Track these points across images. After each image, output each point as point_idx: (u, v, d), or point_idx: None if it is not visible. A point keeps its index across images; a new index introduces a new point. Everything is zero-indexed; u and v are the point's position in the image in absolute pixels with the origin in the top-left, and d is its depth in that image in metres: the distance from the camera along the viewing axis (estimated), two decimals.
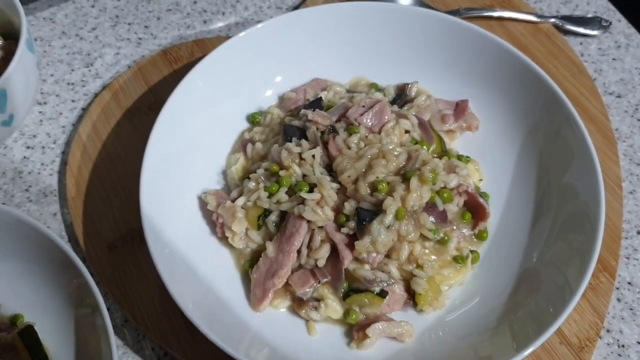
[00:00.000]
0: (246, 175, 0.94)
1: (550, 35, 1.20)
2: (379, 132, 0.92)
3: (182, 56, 1.19)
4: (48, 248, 0.84)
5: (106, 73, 1.22)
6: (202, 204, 0.93)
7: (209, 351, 0.82)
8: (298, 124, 0.94)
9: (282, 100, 1.05)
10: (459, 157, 0.95)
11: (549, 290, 0.81)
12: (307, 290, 0.84)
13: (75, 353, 0.84)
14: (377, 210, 0.82)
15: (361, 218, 0.82)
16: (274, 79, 1.07)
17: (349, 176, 0.86)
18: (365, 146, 0.89)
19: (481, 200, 0.89)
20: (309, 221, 0.84)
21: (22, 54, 0.94)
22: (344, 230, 0.83)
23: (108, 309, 0.91)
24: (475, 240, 0.90)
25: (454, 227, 0.88)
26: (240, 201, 0.88)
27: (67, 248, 0.82)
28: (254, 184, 0.89)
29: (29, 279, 0.88)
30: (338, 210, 0.86)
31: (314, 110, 0.94)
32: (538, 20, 1.21)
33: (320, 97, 0.99)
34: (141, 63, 1.18)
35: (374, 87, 1.05)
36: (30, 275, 0.87)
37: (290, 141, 0.92)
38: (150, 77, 1.16)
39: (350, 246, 0.83)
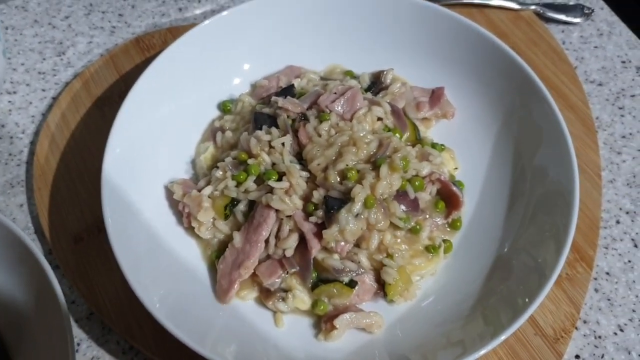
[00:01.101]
0: (215, 164, 0.91)
1: (531, 23, 1.18)
2: (351, 120, 0.89)
3: (155, 44, 1.16)
4: (9, 240, 0.82)
5: (78, 62, 1.19)
6: (169, 193, 0.90)
7: (174, 345, 0.80)
8: (269, 111, 0.92)
9: (254, 88, 1.02)
10: (434, 145, 0.93)
11: (522, 276, 0.79)
12: (275, 280, 0.82)
13: (34, 348, 0.81)
14: (346, 198, 0.80)
15: (329, 206, 0.80)
16: (244, 67, 1.04)
17: (318, 164, 0.84)
18: (335, 134, 0.86)
19: (455, 188, 0.87)
20: (277, 210, 0.82)
21: None
22: (312, 219, 0.81)
23: (73, 302, 0.89)
24: (448, 229, 0.88)
25: (427, 216, 0.86)
26: (207, 190, 0.86)
27: (27, 240, 0.79)
28: (221, 172, 0.87)
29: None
30: (307, 199, 0.83)
31: (285, 98, 0.92)
32: (519, 7, 1.19)
33: (293, 85, 0.97)
34: (113, 51, 1.16)
35: (349, 74, 1.03)
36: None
37: (261, 129, 0.90)
38: (122, 66, 1.13)
39: (319, 235, 0.81)
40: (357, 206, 0.79)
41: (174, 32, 1.18)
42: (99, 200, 0.93)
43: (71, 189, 0.98)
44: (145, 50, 1.15)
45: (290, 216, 0.82)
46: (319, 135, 0.87)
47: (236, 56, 1.03)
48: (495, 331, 0.74)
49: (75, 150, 1.03)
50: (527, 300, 0.74)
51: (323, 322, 0.80)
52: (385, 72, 1.00)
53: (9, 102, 1.13)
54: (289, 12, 1.04)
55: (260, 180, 0.86)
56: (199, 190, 0.87)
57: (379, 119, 0.91)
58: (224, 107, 1.00)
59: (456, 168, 0.94)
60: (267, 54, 1.05)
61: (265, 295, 0.82)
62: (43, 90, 1.15)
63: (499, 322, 0.75)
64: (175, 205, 0.89)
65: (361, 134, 0.85)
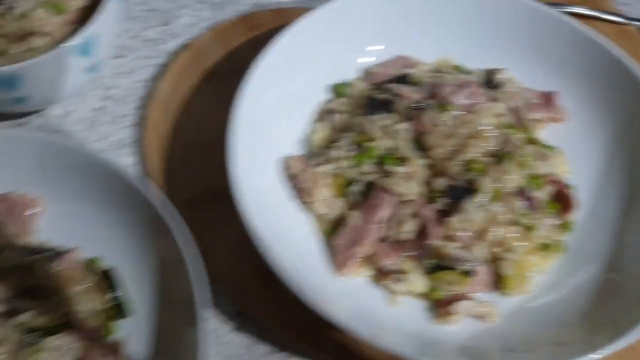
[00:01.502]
0: (328, 144, 0.93)
1: (635, 39, 1.18)
2: (470, 113, 0.91)
3: (261, 24, 1.18)
4: (136, 199, 0.85)
5: (183, 34, 1.21)
6: (283, 168, 0.92)
7: (284, 311, 0.82)
8: (384, 97, 0.94)
9: (366, 73, 1.04)
10: (546, 147, 0.94)
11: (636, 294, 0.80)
12: (390, 262, 0.84)
13: (156, 305, 0.84)
14: (470, 189, 0.81)
15: (454, 195, 0.81)
16: (358, 53, 1.06)
17: (439, 153, 0.85)
18: (456, 125, 0.88)
19: (569, 191, 0.88)
20: (395, 194, 0.83)
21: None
22: (434, 206, 0.83)
23: None
24: (560, 230, 0.89)
25: (541, 215, 0.87)
26: (325, 168, 0.88)
27: (155, 200, 0.82)
28: (339, 152, 0.89)
29: (112, 225, 0.88)
30: (425, 186, 0.85)
31: (401, 85, 0.93)
32: (624, 21, 1.19)
33: (408, 73, 0.98)
34: (220, 27, 1.18)
35: (460, 69, 1.04)
36: (115, 222, 0.88)
37: (375, 114, 0.91)
38: (229, 42, 1.16)
39: (439, 222, 0.82)
40: (484, 198, 0.80)
41: (280, 13, 1.20)
42: (210, 169, 0.96)
43: (182, 155, 1.00)
44: (252, 29, 1.17)
45: (408, 201, 0.84)
46: (439, 125, 0.88)
47: (349, 43, 1.05)
48: (603, 341, 0.74)
49: (185, 119, 1.06)
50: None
51: (439, 307, 0.82)
52: (498, 71, 1.01)
53: (116, 65, 1.15)
54: (403, 2, 1.05)
55: (377, 163, 0.88)
56: (315, 167, 0.88)
57: (498, 115, 0.92)
58: (336, 90, 1.01)
59: (567, 172, 0.95)
60: (378, 42, 1.06)
61: (379, 275, 0.84)
62: (149, 57, 1.17)
63: (609, 332, 0.76)
64: (288, 180, 0.91)
65: (484, 128, 0.86)
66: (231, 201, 0.89)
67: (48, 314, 0.79)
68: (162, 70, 1.15)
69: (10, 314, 0.77)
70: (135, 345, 0.84)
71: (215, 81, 1.10)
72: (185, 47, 1.17)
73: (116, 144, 1.05)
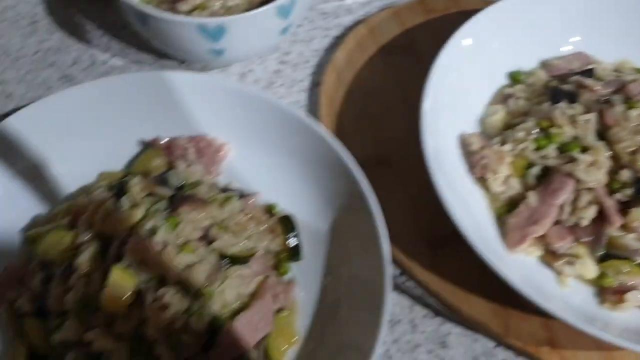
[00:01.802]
0: (506, 127, 0.95)
1: None
2: None
3: (436, 8, 1.22)
4: (325, 152, 0.90)
5: (358, 10, 1.26)
6: (461, 145, 0.95)
7: (447, 277, 0.87)
8: (569, 88, 0.95)
9: (545, 65, 1.05)
10: None
11: None
12: (563, 245, 0.85)
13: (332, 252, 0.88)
14: None
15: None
16: (538, 45, 1.07)
17: (625, 147, 0.86)
18: None
19: None
20: (578, 180, 0.85)
21: None
22: (617, 196, 0.83)
23: None
24: None
25: None
26: (508, 147, 0.90)
27: (344, 155, 0.87)
28: (522, 134, 0.91)
29: (293, 175, 0.95)
30: (608, 176, 0.85)
31: (587, 78, 0.94)
32: None
33: (592, 68, 0.99)
34: (397, 7, 1.22)
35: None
36: (297, 172, 0.95)
37: (559, 102, 0.93)
38: (405, 22, 1.20)
39: (621, 212, 0.83)
40: None
41: (457, 2, 1.22)
42: (379, 137, 1.00)
43: (351, 123, 1.05)
44: (429, 12, 1.20)
45: (590, 189, 0.85)
46: (626, 120, 0.88)
47: (529, 35, 1.06)
48: None
49: (359, 88, 1.11)
50: None
51: (610, 294, 0.83)
52: None
53: (293, 33, 1.21)
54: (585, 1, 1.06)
55: (559, 149, 0.89)
56: (496, 146, 0.91)
57: None
58: (514, 78, 1.03)
59: None
60: (559, 37, 1.08)
61: (551, 256, 0.86)
62: (325, 29, 1.23)
63: None
64: (468, 155, 0.94)
65: None
66: (396, 169, 0.97)
67: (235, 246, 0.85)
68: (338, 41, 1.20)
69: (208, 241, 0.83)
70: (303, 287, 0.89)
71: (389, 57, 1.15)
72: (361, 22, 1.22)
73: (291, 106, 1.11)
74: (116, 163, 0.98)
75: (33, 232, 0.88)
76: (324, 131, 0.91)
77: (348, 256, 0.87)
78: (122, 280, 0.75)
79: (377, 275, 0.80)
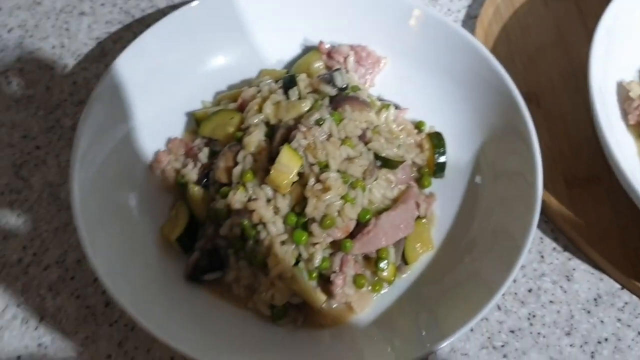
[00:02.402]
0: None
1: None
2: None
3: None
4: (488, 76, 0.92)
5: None
6: (617, 92, 0.95)
7: (581, 217, 0.90)
8: None
9: None
10: None
11: None
12: None
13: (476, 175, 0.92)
14: None
15: None
16: None
17: None
18: None
19: None
20: None
21: None
22: None
23: None
24: None
25: None
26: None
27: (510, 83, 0.90)
28: None
29: (446, 95, 0.98)
30: None
31: None
32: None
33: None
34: None
35: None
36: (455, 94, 0.97)
37: None
38: None
39: None
40: None
41: None
42: (531, 76, 1.01)
43: (508, 59, 1.07)
44: None
45: None
46: None
47: None
48: None
49: (516, 26, 1.12)
50: None
51: None
52: None
53: None
54: None
55: None
56: None
57: None
58: None
59: None
60: None
61: None
62: None
63: None
64: (625, 101, 0.94)
65: None
66: (544, 109, 0.99)
67: (387, 151, 0.90)
68: None
69: (364, 141, 0.89)
70: (441, 204, 0.93)
71: (549, 1, 1.15)
72: None
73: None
74: (276, 62, 1.04)
75: (201, 112, 0.96)
76: (491, 55, 0.92)
77: (494, 194, 0.89)
78: (291, 159, 0.81)
79: (522, 229, 0.80)
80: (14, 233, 0.92)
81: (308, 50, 1.04)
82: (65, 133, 1.01)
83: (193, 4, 0.97)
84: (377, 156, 0.87)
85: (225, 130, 0.92)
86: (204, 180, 0.91)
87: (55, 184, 0.96)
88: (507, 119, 0.90)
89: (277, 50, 1.04)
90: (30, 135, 1.01)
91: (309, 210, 0.80)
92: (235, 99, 0.96)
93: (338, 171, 0.83)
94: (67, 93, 1.06)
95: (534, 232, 0.80)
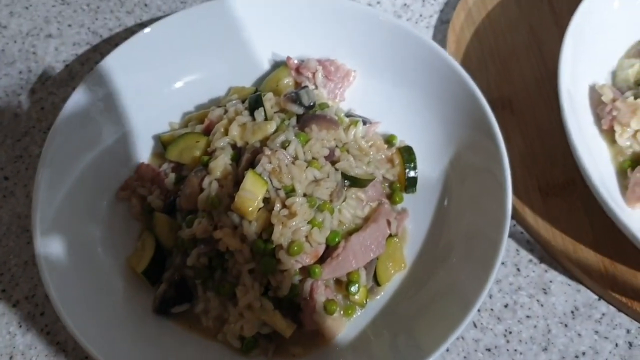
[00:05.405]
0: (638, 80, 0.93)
1: None
2: None
3: None
4: (456, 87, 0.91)
5: None
6: (589, 96, 0.94)
7: (556, 225, 0.88)
8: None
9: None
10: None
11: None
12: None
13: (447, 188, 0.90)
14: None
15: None
16: None
17: None
18: None
19: None
20: None
21: None
22: None
23: None
24: None
25: None
26: None
27: (477, 93, 0.88)
28: None
29: (416, 108, 0.96)
30: None
31: None
32: None
33: None
34: None
35: None
36: (420, 105, 0.96)
37: None
38: None
39: None
40: None
41: None
42: (504, 80, 0.99)
43: (481, 64, 1.05)
44: None
45: None
46: None
47: None
48: None
49: (489, 30, 1.10)
50: None
51: None
52: None
53: None
54: None
55: None
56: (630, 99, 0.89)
57: None
58: None
59: None
60: None
61: None
62: None
63: None
64: (597, 105, 0.92)
65: None
66: (518, 114, 0.96)
67: (356, 169, 0.89)
68: None
69: (332, 161, 0.87)
70: (413, 220, 0.91)
71: (522, 2, 1.12)
72: None
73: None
74: (245, 79, 1.02)
75: (167, 135, 0.95)
76: (458, 65, 0.91)
77: (466, 198, 0.88)
78: (255, 185, 0.80)
79: (495, 227, 0.80)
80: None
81: (278, 65, 1.02)
82: (33, 162, 1.00)
83: (160, 22, 0.96)
84: (345, 175, 0.86)
85: (191, 153, 0.90)
86: (171, 208, 0.89)
87: (23, 215, 0.95)
88: (476, 127, 0.88)
89: (246, 67, 1.02)
90: None
91: (275, 237, 0.79)
92: (202, 120, 0.94)
93: (304, 195, 0.82)
94: (35, 119, 1.05)
95: (509, 227, 0.79)
